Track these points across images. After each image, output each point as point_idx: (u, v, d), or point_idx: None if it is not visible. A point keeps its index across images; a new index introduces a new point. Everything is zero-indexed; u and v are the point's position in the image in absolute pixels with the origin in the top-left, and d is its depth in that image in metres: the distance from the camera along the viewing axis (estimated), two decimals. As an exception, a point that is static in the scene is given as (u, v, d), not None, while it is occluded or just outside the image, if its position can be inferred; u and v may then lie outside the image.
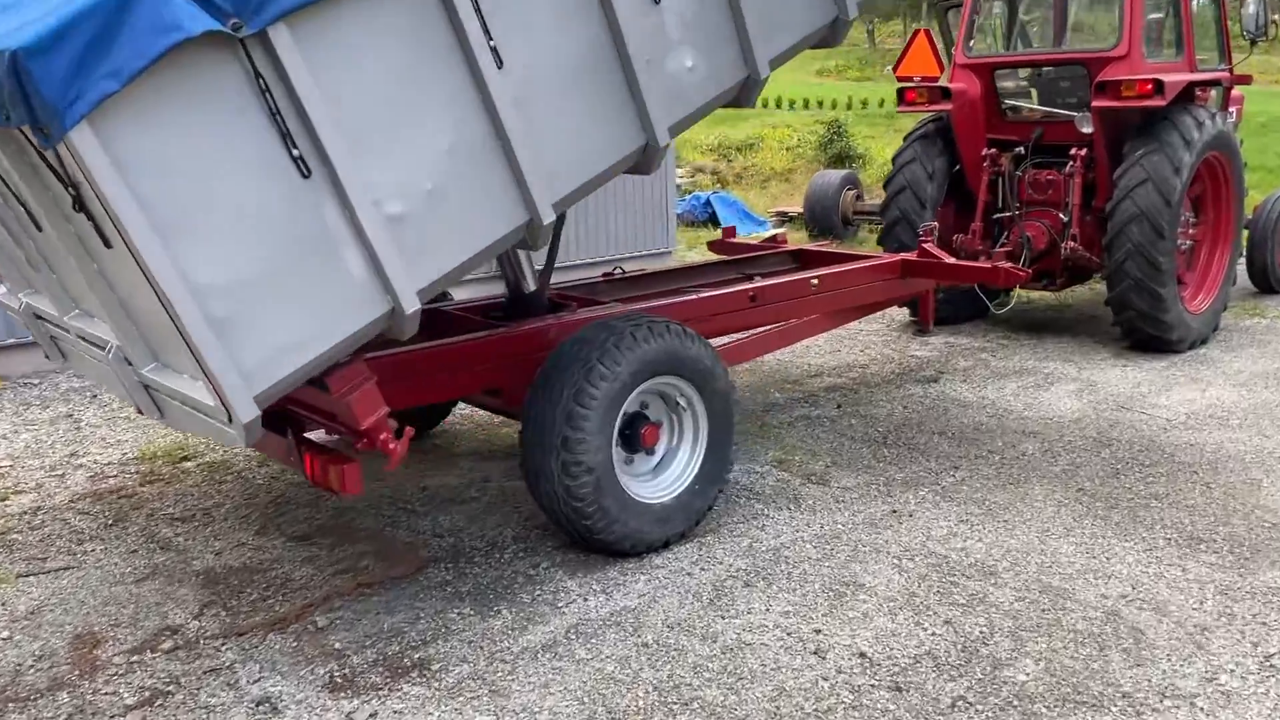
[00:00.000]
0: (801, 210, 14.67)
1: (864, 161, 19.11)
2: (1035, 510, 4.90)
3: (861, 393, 6.91)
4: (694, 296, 5.52)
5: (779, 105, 24.49)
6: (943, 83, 8.58)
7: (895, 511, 4.91)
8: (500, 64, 3.39)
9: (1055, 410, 6.45)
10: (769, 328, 5.97)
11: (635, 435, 4.40)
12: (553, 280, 5.37)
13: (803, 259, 7.11)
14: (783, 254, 7.14)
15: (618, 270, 6.32)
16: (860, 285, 6.31)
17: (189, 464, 5.60)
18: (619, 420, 4.25)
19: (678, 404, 4.53)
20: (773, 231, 9.18)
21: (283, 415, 3.88)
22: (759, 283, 5.87)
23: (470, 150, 3.38)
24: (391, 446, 3.52)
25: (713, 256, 7.56)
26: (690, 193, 17.65)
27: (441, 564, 4.37)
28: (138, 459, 5.69)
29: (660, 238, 11.42)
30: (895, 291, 6.63)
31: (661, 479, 4.52)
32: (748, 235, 15.42)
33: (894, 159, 8.85)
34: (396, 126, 3.20)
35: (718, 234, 15.54)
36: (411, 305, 3.30)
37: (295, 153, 2.99)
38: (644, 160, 4.05)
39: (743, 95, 4.37)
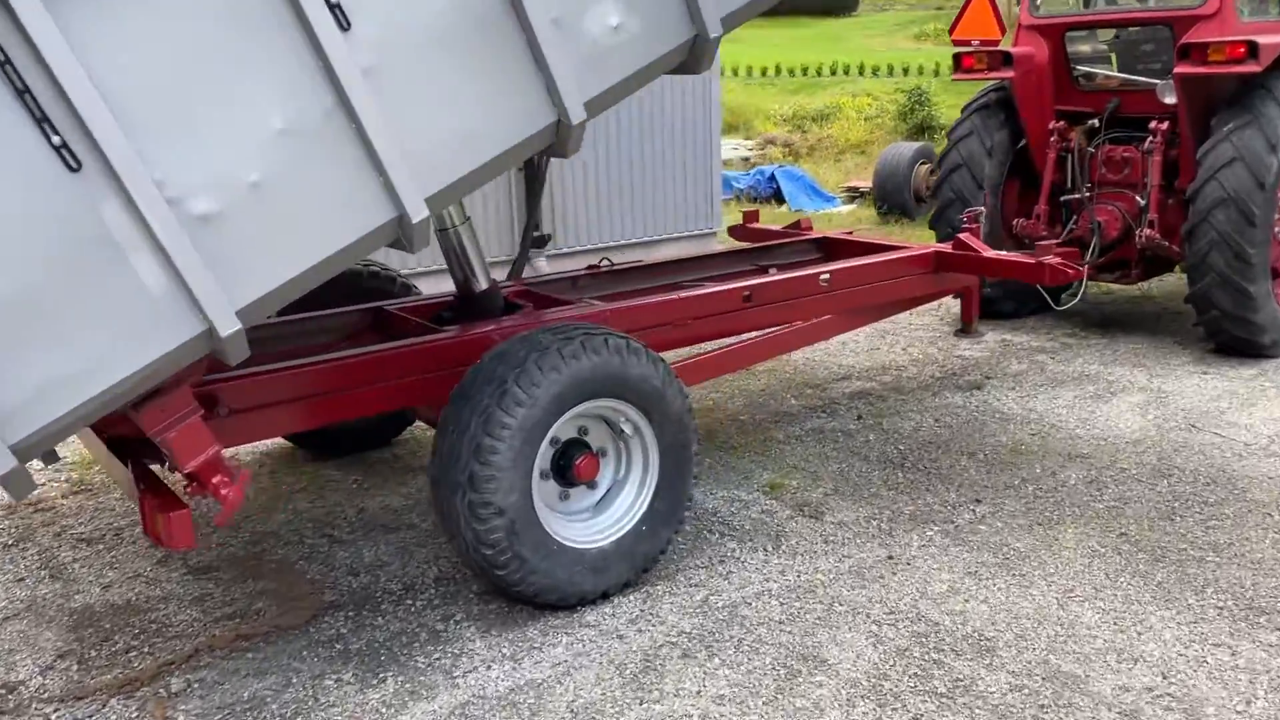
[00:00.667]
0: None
1: (945, 133, 17.90)
2: (1062, 561, 4.08)
3: (890, 401, 6.11)
4: (676, 296, 4.81)
5: (861, 72, 23.27)
6: (1004, 47, 7.61)
7: (891, 557, 4.15)
8: (346, 25, 2.73)
9: (1113, 428, 5.56)
10: (769, 331, 5.23)
11: (570, 467, 3.73)
12: (551, 271, 4.73)
13: (827, 249, 6.32)
14: (804, 243, 6.36)
15: (604, 262, 5.63)
16: (883, 281, 5.51)
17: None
18: (543, 452, 3.59)
19: (623, 431, 3.84)
20: (796, 216, 8.32)
21: (132, 441, 3.33)
22: (755, 280, 5.12)
23: (309, 133, 2.74)
24: (224, 493, 2.92)
25: (734, 244, 6.82)
26: (755, 166, 16.79)
27: (342, 611, 3.79)
28: (74, 464, 5.25)
29: (702, 217, 10.65)
30: (927, 287, 5.79)
31: (601, 519, 3.85)
32: (814, 212, 14.55)
33: (949, 133, 7.94)
34: (200, 104, 2.58)
35: (782, 211, 14.83)
36: (229, 326, 2.68)
37: (56, 141, 2.39)
38: (559, 140, 3.35)
39: (691, 60, 3.62)
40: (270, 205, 2.70)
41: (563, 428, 3.71)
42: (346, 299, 4.97)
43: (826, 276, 5.25)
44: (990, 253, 5.55)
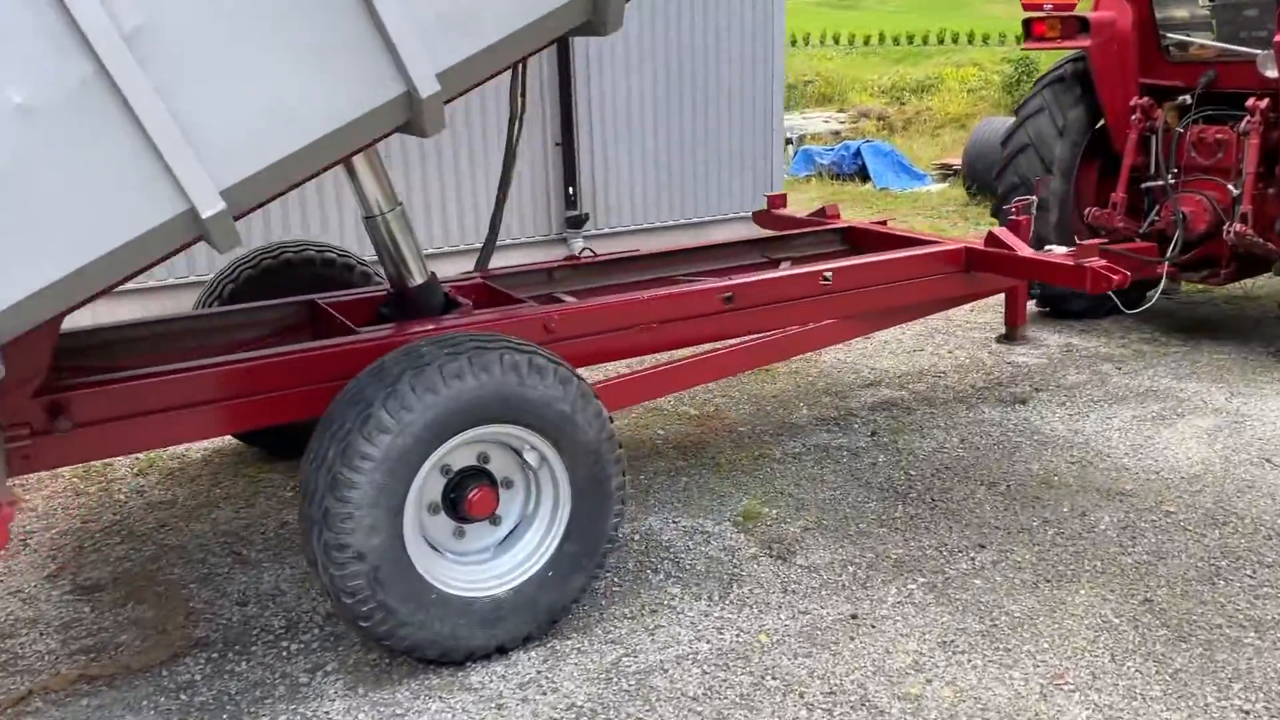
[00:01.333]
0: (965, 164, 12.81)
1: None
2: (1061, 633, 3.39)
3: (916, 414, 5.40)
4: (639, 297, 4.22)
5: (970, 40, 21.94)
6: (1081, 11, 6.71)
7: (855, 616, 3.52)
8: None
9: (1169, 459, 4.76)
10: (756, 338, 4.60)
11: (462, 500, 3.22)
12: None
13: (853, 240, 5.63)
14: (828, 233, 5.68)
15: (586, 252, 5.07)
16: (899, 281, 4.80)
17: (64, 468, 4.84)
18: (422, 484, 3.08)
19: (528, 462, 3.30)
20: (820, 204, 7.53)
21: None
22: (740, 278, 4.49)
23: (62, 111, 2.26)
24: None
25: (760, 232, 6.17)
26: (842, 141, 15.89)
27: (207, 651, 3.37)
28: None
29: (761, 198, 9.95)
30: (958, 288, 5.05)
31: (502, 561, 3.33)
32: (900, 191, 13.64)
33: (1017, 109, 7.08)
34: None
35: (866, 189, 13.95)
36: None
37: None
38: (414, 117, 2.80)
39: (597, 17, 3.01)
40: (9, 199, 2.24)
41: (455, 455, 3.20)
42: (296, 288, 4.56)
43: (828, 276, 4.58)
44: (1025, 251, 4.77)
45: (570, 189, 8.74)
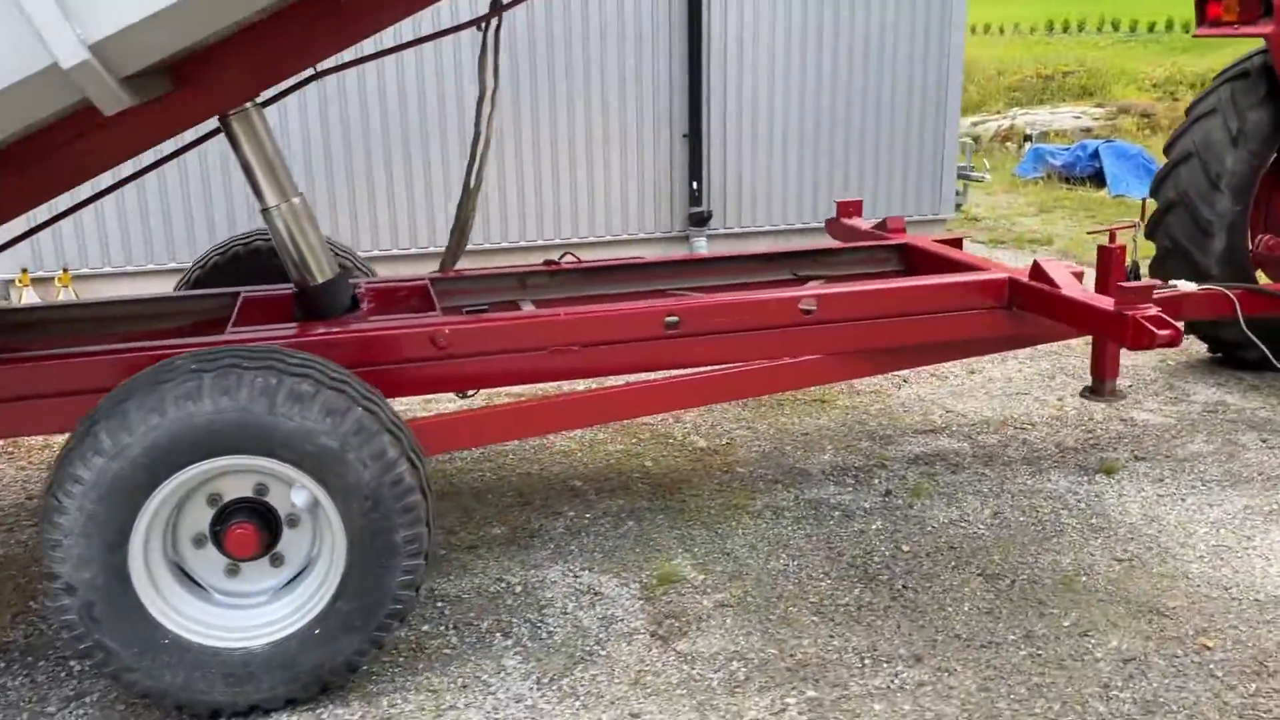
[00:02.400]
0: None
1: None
2: (934, 805, 2.56)
3: (964, 474, 4.49)
4: (555, 314, 3.67)
5: (1275, 30, 19.02)
6: (1270, -11, 5.37)
7: (685, 735, 2.84)
8: None
9: (1256, 574, 3.64)
10: (715, 369, 3.91)
11: (222, 535, 2.85)
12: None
13: (909, 258, 4.76)
14: (880, 249, 4.84)
15: (567, 257, 4.54)
16: (911, 315, 3.94)
17: None
18: (149, 518, 2.73)
19: (294, 502, 2.88)
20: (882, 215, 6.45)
21: None
22: (684, 299, 3.83)
23: None
24: None
25: (829, 242, 5.38)
26: (1083, 138, 14.17)
27: (7, 655, 3.20)
28: None
29: (927, 201, 8.93)
30: (1001, 326, 4.09)
31: (275, 608, 2.93)
32: (1141, 199, 11.92)
33: (1188, 110, 5.81)
34: None
35: (1098, 195, 12.31)
36: None
37: None
38: (87, 93, 2.43)
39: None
40: None
41: (224, 483, 2.84)
42: (263, 277, 4.38)
43: (810, 303, 3.82)
44: (1068, 289, 3.77)
45: (695, 184, 8.16)
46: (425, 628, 3.34)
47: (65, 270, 7.06)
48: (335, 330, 3.49)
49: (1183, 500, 4.21)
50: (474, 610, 3.45)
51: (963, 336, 4.06)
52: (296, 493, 2.83)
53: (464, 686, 3.03)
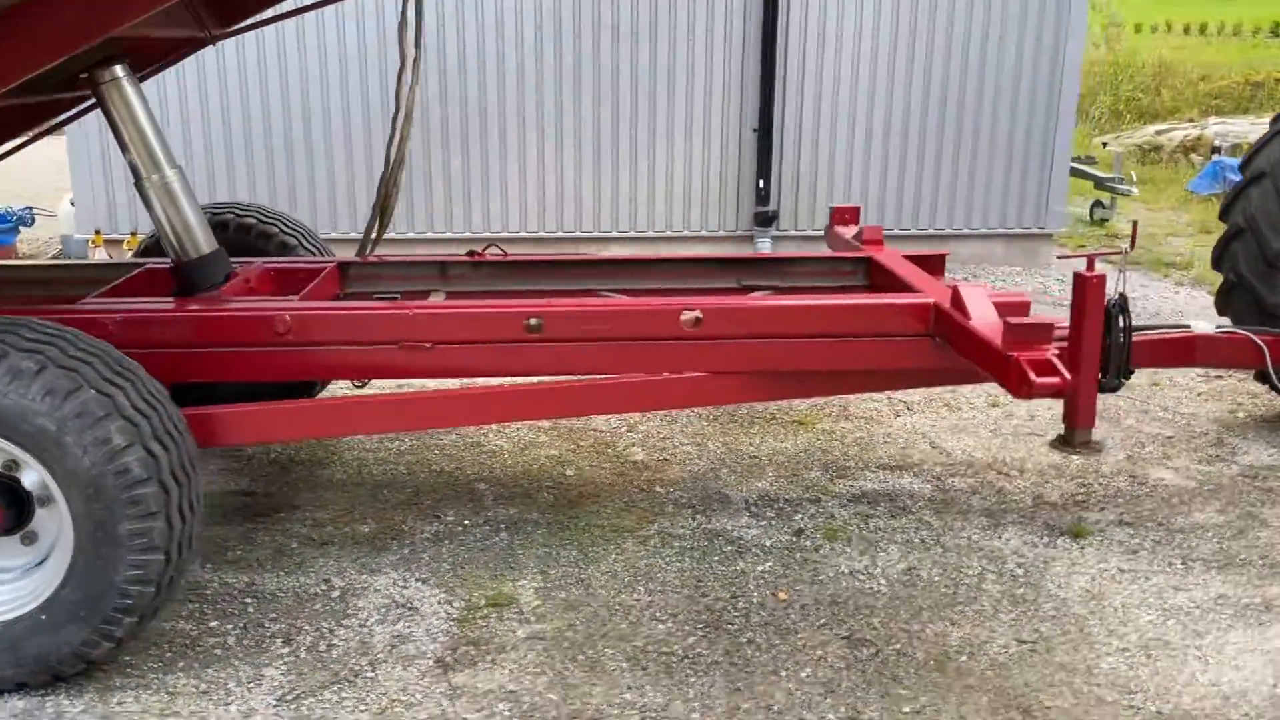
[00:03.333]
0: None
1: None
2: None
3: (903, 520, 3.99)
4: (405, 308, 3.46)
5: None
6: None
7: (394, 777, 2.58)
8: None
9: (1165, 680, 3.02)
10: (556, 381, 3.59)
11: (-37, 508, 2.81)
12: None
13: (873, 274, 4.27)
14: (845, 261, 4.37)
15: (492, 249, 4.31)
16: (816, 337, 3.49)
17: None
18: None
19: (20, 480, 2.79)
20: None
21: None
22: (551, 302, 3.53)
23: None
24: None
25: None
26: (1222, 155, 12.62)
27: None
28: None
29: (1031, 213, 8.13)
30: (925, 358, 3.56)
31: (14, 587, 2.86)
32: None
33: (1274, 119, 4.98)
34: None
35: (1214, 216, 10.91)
36: None
37: None
38: None
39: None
40: None
41: (-29, 456, 2.79)
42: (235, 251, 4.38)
43: (693, 315, 3.45)
44: (974, 322, 3.21)
45: (762, 181, 7.73)
46: (213, 623, 3.21)
47: (134, 233, 7.40)
48: (252, 309, 3.40)
49: (1145, 579, 3.57)
50: (276, 611, 3.29)
51: (876, 366, 3.56)
52: (27, 473, 2.75)
53: (204, 692, 2.87)
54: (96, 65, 3.47)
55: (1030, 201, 8.08)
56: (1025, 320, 2.95)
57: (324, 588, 3.43)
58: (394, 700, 2.86)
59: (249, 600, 3.35)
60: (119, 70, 3.51)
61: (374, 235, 4.33)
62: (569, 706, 2.85)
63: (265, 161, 7.52)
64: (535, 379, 3.58)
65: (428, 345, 3.43)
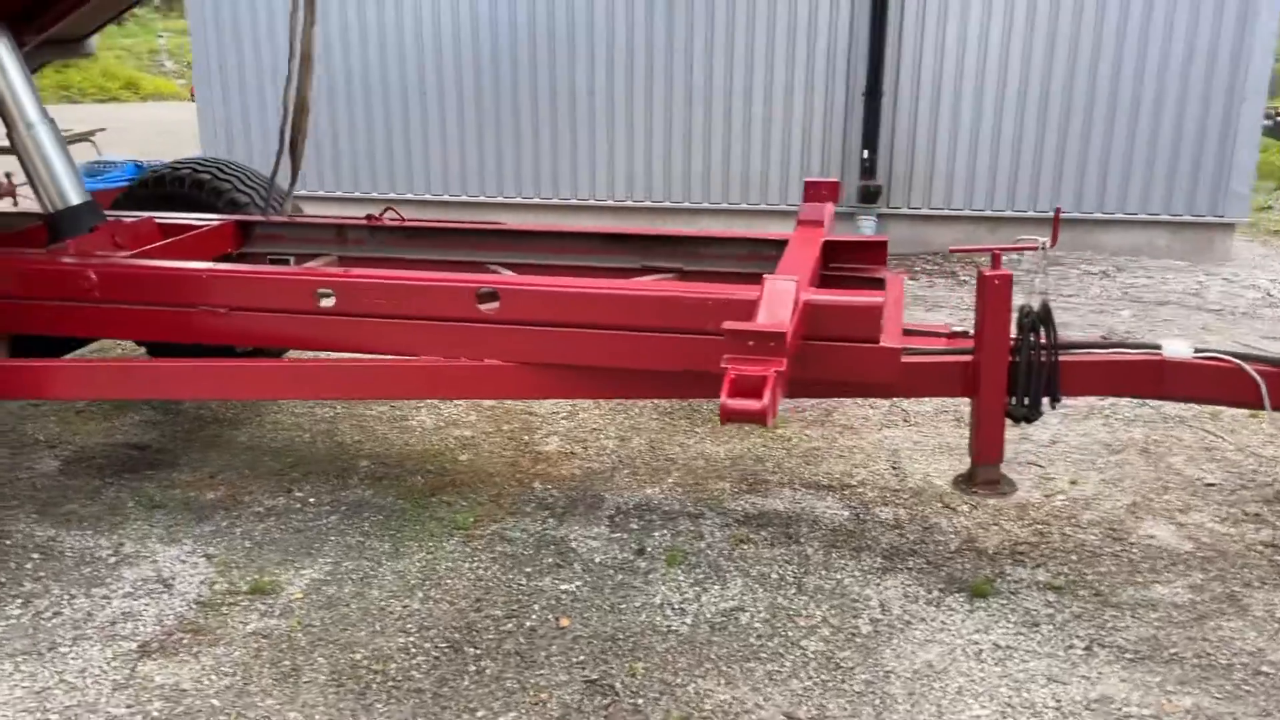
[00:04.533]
0: None
1: None
2: None
3: (771, 553, 3.40)
4: (197, 268, 3.30)
5: None
6: None
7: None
8: None
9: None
10: (340, 359, 3.29)
11: None
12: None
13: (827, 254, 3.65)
14: (769, 244, 3.78)
15: (389, 213, 4.06)
16: (625, 330, 2.99)
17: None
18: None
19: None
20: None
21: None
22: (344, 272, 3.24)
23: None
24: None
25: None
26: None
27: None
28: None
29: (1203, 196, 6.82)
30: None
31: None
32: None
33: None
34: None
35: None
36: None
37: None
38: None
39: None
40: None
41: None
42: (170, 201, 4.49)
43: (490, 297, 3.06)
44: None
45: (866, 153, 6.97)
46: (-27, 574, 3.24)
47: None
48: (66, 263, 3.41)
49: (1019, 661, 2.81)
50: (47, 570, 3.26)
51: (689, 367, 3.00)
52: None
53: (-93, 643, 2.87)
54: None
55: (1205, 183, 6.77)
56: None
57: (110, 552, 3.37)
58: (62, 681, 2.73)
59: (35, 555, 3.35)
60: (-15, 21, 3.58)
61: (286, 190, 4.20)
62: (222, 717, 2.60)
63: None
64: (333, 354, 3.32)
65: (223, 310, 3.26)
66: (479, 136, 7.57)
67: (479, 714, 2.62)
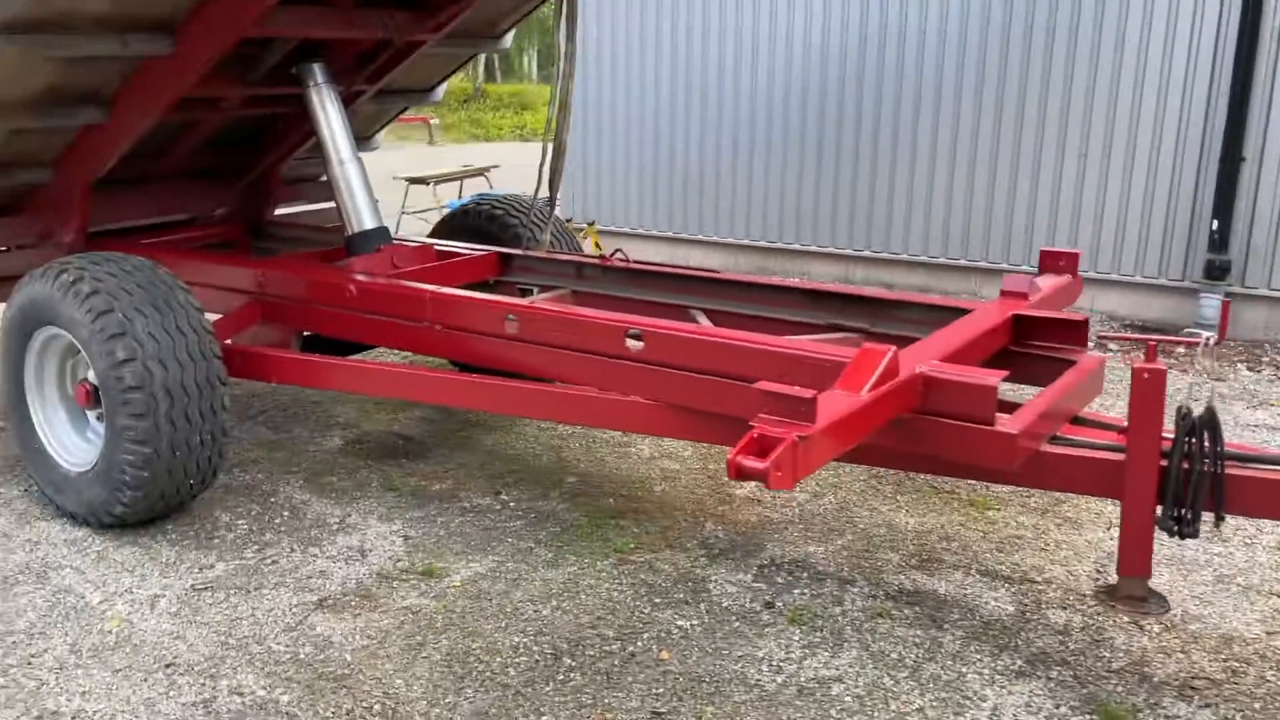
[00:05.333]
0: None
1: None
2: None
3: (911, 633, 3.30)
4: (435, 293, 3.83)
5: None
6: None
7: None
8: None
9: None
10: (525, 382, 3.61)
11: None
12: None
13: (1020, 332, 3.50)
14: (955, 310, 3.64)
15: (618, 254, 4.38)
16: (739, 380, 3.08)
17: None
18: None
19: None
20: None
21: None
22: (530, 303, 3.59)
23: None
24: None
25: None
26: None
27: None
28: None
29: None
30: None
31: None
32: None
33: None
34: None
35: None
36: None
37: None
38: None
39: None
40: None
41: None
42: (474, 231, 5.25)
43: (637, 338, 3.30)
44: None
45: (1216, 223, 6.25)
46: (221, 514, 3.99)
47: (591, 223, 8.58)
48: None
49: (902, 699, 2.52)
50: (274, 524, 3.94)
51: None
52: (91, 370, 3.76)
53: (142, 562, 3.64)
54: (300, 63, 4.39)
55: None
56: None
57: (337, 521, 3.99)
58: (251, 615, 3.32)
59: (285, 513, 4.05)
60: (316, 70, 4.39)
61: (548, 228, 4.69)
62: (347, 669, 3.05)
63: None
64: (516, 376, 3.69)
65: (438, 327, 3.77)
66: (781, 181, 7.74)
67: (544, 718, 2.83)
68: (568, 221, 8.75)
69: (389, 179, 12.16)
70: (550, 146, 4.51)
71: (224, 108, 4.59)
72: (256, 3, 3.69)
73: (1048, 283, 3.75)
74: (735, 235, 8.24)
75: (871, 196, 7.43)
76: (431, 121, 23.44)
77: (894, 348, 2.67)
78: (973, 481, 4.25)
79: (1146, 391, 2.64)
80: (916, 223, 7.29)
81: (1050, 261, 3.92)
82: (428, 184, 9.82)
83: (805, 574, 3.60)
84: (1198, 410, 2.63)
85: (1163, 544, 3.81)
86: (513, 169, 15.51)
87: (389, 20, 4.37)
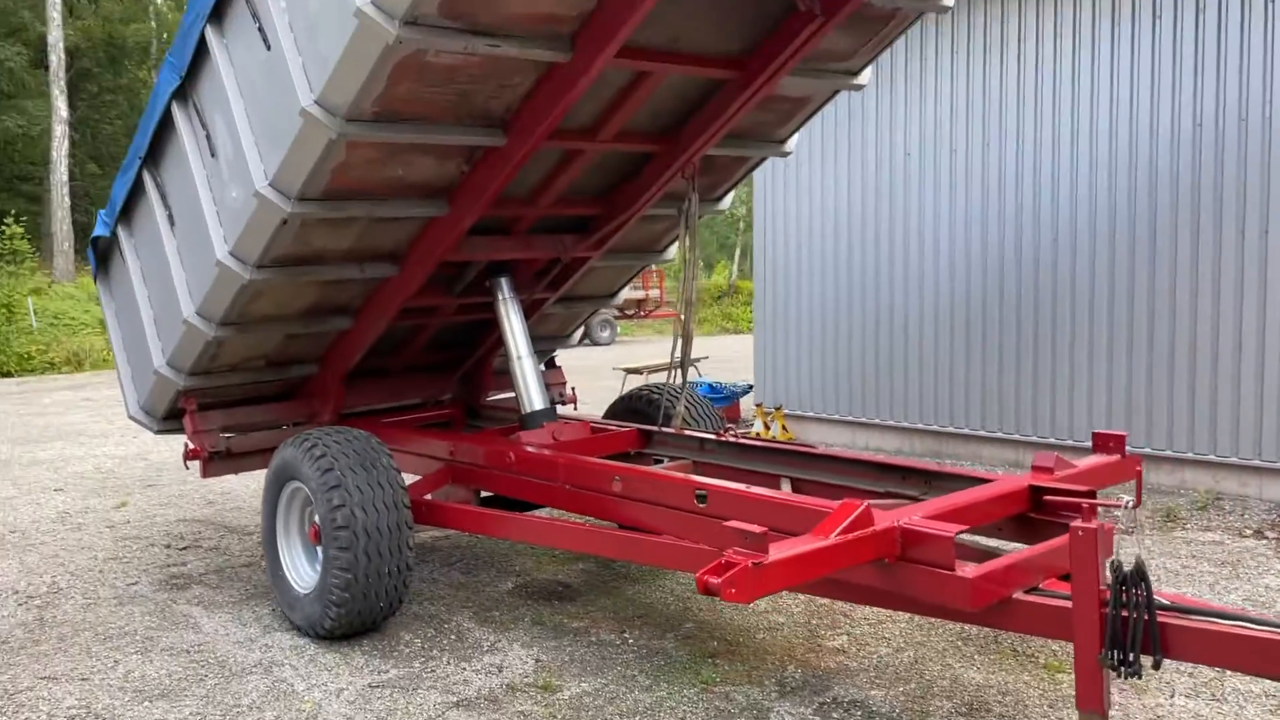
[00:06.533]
0: None
1: None
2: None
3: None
4: (567, 459, 4.82)
5: None
6: None
7: (333, 735, 4.06)
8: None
9: None
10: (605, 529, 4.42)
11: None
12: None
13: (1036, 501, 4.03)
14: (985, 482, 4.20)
15: (729, 430, 5.20)
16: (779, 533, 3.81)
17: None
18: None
19: None
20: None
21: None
22: (628, 469, 4.46)
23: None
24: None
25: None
26: None
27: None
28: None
29: None
30: (869, 576, 3.52)
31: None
32: None
33: None
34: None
35: None
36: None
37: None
38: None
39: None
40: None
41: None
42: (636, 412, 6.32)
43: (702, 498, 4.12)
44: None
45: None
46: (404, 633, 4.98)
47: (778, 408, 9.38)
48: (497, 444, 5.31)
49: None
50: (444, 645, 4.90)
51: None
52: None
53: (334, 661, 4.68)
54: (491, 277, 5.65)
55: None
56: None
57: (489, 644, 4.90)
58: (397, 708, 4.27)
59: (451, 636, 5.02)
60: (504, 283, 5.63)
61: (679, 408, 5.60)
62: None
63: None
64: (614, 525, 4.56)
65: (568, 487, 4.74)
66: (966, 367, 8.23)
67: (596, 799, 3.54)
68: (758, 406, 9.62)
69: (609, 369, 13.57)
70: (680, 338, 5.48)
71: (440, 314, 5.91)
72: (452, 234, 4.96)
73: (1090, 461, 4.21)
74: (909, 420, 8.78)
75: (1052, 384, 7.79)
76: (685, 316, 25.26)
77: (866, 502, 3.33)
78: (1054, 645, 4.59)
79: (1081, 548, 3.12)
80: (1081, 407, 7.55)
81: (1101, 442, 4.36)
82: (641, 373, 11.10)
83: (860, 712, 4.11)
84: (1128, 565, 3.08)
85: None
86: (722, 361, 16.54)
87: (559, 242, 5.58)
